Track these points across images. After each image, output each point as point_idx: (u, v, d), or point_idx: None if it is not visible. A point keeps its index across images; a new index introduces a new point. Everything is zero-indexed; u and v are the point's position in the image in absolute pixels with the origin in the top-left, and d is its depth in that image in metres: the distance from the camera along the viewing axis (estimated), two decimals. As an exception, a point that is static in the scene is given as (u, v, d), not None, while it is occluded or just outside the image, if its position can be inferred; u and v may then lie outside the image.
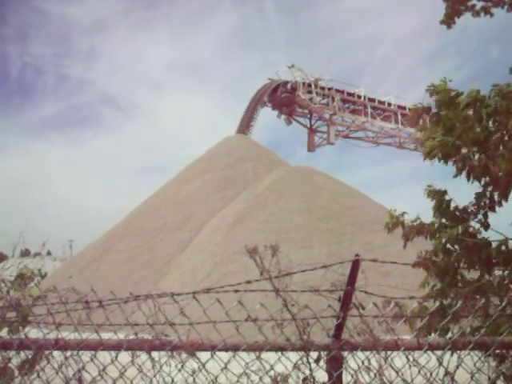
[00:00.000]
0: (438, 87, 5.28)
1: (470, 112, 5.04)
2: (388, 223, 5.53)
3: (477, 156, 5.23)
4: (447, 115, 5.18)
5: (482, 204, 5.27)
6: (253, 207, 32.41)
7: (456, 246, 5.02)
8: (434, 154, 5.20)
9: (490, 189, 5.24)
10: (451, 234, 4.94)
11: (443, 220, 5.23)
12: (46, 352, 3.00)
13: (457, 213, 5.21)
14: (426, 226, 5.27)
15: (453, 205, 5.27)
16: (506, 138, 5.06)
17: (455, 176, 5.30)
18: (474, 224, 5.19)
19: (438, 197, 5.22)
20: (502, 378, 3.47)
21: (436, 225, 5.23)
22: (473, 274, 5.07)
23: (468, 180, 5.25)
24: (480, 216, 5.23)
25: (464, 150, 5.18)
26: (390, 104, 50.47)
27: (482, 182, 5.27)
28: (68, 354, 2.96)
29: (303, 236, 28.46)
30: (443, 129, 5.23)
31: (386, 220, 5.66)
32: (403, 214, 5.52)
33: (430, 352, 2.90)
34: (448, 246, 5.06)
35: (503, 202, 5.25)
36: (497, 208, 5.29)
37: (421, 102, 5.83)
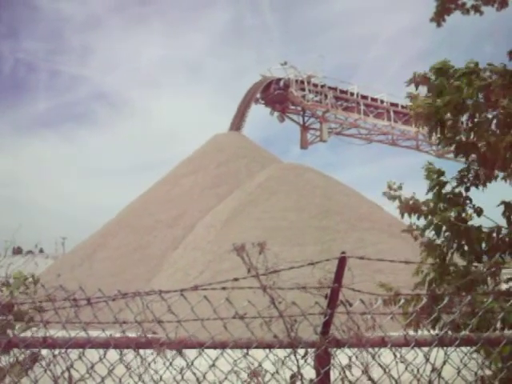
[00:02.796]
0: (438, 62, 5.40)
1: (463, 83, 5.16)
2: (387, 192, 5.57)
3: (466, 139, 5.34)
4: (441, 81, 5.29)
5: (466, 180, 5.33)
6: (245, 205, 32.40)
7: (447, 231, 5.08)
8: (420, 114, 5.33)
9: (475, 166, 5.32)
10: (443, 217, 5.00)
11: (437, 202, 5.29)
12: (35, 351, 3.00)
13: (451, 196, 5.26)
14: (421, 204, 5.32)
15: (448, 188, 5.34)
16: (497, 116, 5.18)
17: (442, 146, 5.41)
18: (467, 210, 5.25)
19: (436, 176, 5.27)
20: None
21: (431, 205, 5.28)
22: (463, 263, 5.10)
23: (455, 156, 5.35)
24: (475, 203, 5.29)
25: (448, 116, 5.26)
26: (382, 101, 50.49)
27: (469, 159, 5.35)
28: (56, 352, 2.95)
29: (296, 234, 28.48)
30: (434, 94, 5.36)
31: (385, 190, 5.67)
32: (401, 186, 5.58)
33: (417, 348, 2.93)
34: (442, 228, 5.12)
35: (487, 183, 5.33)
36: (492, 197, 5.37)
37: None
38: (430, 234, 5.23)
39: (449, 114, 5.29)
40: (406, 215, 5.51)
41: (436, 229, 5.08)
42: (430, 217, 5.21)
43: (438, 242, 5.20)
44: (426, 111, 5.29)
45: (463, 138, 5.37)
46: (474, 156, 5.34)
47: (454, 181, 5.37)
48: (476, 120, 5.30)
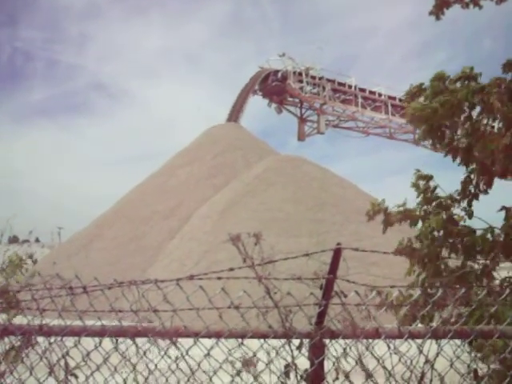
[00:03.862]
0: (436, 74, 5.41)
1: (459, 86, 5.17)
2: (369, 211, 5.58)
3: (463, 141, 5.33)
4: (437, 85, 5.29)
5: (468, 192, 5.33)
6: (242, 196, 32.40)
7: (440, 233, 5.07)
8: (416, 117, 5.31)
9: (474, 175, 5.32)
10: (437, 220, 4.99)
11: (427, 206, 5.28)
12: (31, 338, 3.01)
13: (441, 200, 5.26)
14: (411, 212, 5.32)
15: (438, 191, 5.33)
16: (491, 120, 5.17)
17: (445, 155, 5.40)
18: (459, 212, 5.25)
19: (424, 182, 5.27)
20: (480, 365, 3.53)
21: (422, 211, 5.28)
22: (457, 262, 5.11)
23: (453, 161, 5.34)
24: (464, 204, 5.29)
25: (445, 121, 5.25)
26: (380, 94, 50.51)
27: (468, 169, 5.34)
28: (52, 339, 2.97)
29: (292, 225, 28.52)
30: (429, 97, 5.35)
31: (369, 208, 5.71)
32: (383, 200, 5.57)
33: (410, 340, 2.95)
34: (434, 233, 5.10)
35: (488, 190, 5.32)
36: (482, 197, 5.36)
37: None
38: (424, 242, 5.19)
39: (445, 117, 5.27)
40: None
41: (430, 232, 5.06)
42: (421, 222, 5.20)
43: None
44: (423, 113, 5.25)
45: (460, 144, 5.34)
46: (473, 165, 5.31)
47: (456, 194, 5.35)
48: (473, 122, 5.29)
